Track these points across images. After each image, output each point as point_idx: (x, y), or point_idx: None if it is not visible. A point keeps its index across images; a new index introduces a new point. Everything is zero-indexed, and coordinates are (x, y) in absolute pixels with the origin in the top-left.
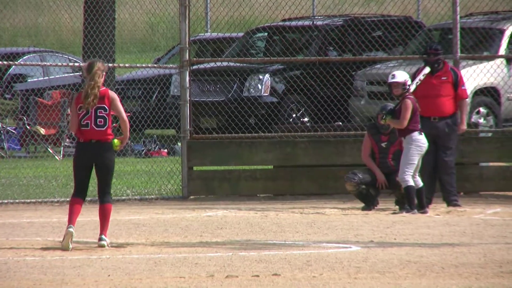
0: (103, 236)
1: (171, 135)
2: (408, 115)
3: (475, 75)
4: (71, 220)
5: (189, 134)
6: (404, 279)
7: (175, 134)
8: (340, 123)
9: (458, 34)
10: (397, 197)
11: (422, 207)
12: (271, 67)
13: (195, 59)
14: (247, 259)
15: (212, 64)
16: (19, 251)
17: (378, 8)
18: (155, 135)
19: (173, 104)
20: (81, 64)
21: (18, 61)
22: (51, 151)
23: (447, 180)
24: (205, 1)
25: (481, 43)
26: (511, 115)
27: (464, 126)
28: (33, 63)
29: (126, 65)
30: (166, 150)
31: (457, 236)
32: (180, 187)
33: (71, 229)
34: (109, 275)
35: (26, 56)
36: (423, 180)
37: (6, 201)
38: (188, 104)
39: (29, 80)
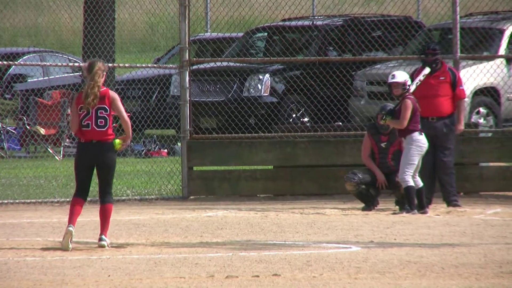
0: (103, 237)
1: (171, 135)
2: (408, 115)
3: (475, 75)
4: (71, 220)
5: (189, 134)
6: (404, 280)
7: (175, 134)
8: (340, 123)
9: (458, 34)
10: (397, 198)
11: (422, 208)
12: (271, 67)
13: (195, 59)
14: (247, 259)
15: (212, 64)
16: (19, 251)
17: (378, 8)
18: (155, 135)
19: (173, 104)
20: (81, 64)
21: (18, 61)
22: (51, 151)
23: (447, 180)
24: (205, 1)
25: (481, 43)
26: (511, 115)
27: (462, 126)
28: (33, 63)
29: (126, 65)
30: (166, 150)
31: (457, 237)
32: (180, 187)
33: (70, 228)
34: (109, 276)
35: (26, 56)
36: (422, 180)
37: (6, 201)
38: (188, 104)
39: (29, 80)
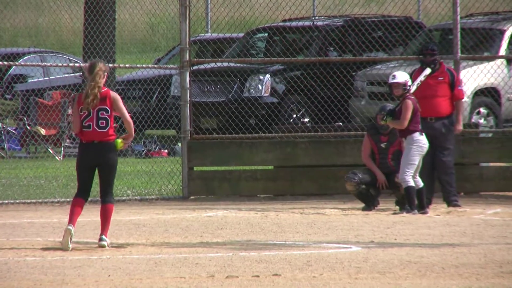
0: (103, 237)
1: (171, 136)
2: (409, 115)
3: (476, 76)
4: (71, 220)
5: (189, 135)
6: (405, 280)
7: (175, 135)
8: (341, 123)
9: (459, 34)
10: (398, 198)
11: (422, 208)
12: (272, 67)
13: (195, 59)
14: (247, 259)
15: (212, 65)
16: (19, 251)
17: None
18: (155, 136)
19: (173, 105)
20: (81, 65)
21: (19, 62)
22: (51, 152)
23: (447, 180)
24: (205, 2)
25: (482, 44)
26: (511, 116)
27: (460, 127)
28: (34, 63)
29: (127, 65)
30: (166, 151)
31: (458, 237)
32: (181, 188)
33: (70, 227)
34: (109, 276)
35: (27, 57)
36: (422, 181)
37: (6, 201)
38: (188, 105)
39: (29, 81)
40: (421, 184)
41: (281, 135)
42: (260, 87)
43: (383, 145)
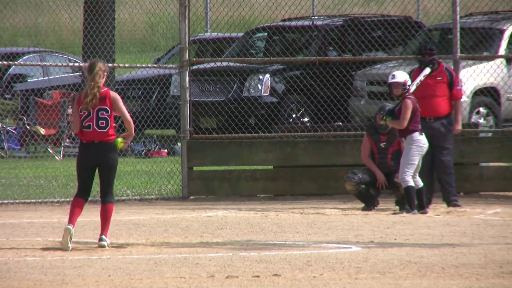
0: (103, 237)
1: (171, 135)
2: (408, 115)
3: (475, 75)
4: (71, 220)
5: (189, 134)
6: (405, 280)
7: (175, 134)
8: (340, 123)
9: (458, 34)
10: (397, 198)
11: (422, 208)
12: (271, 67)
13: (195, 59)
14: (247, 259)
15: (212, 64)
16: (19, 251)
17: (378, 8)
18: (155, 135)
19: (173, 104)
20: (81, 64)
21: (18, 61)
22: (51, 151)
23: (446, 180)
24: (205, 1)
25: (481, 43)
26: (511, 115)
27: (459, 126)
28: (33, 63)
29: (126, 65)
30: (166, 150)
31: (458, 237)
32: (180, 187)
33: (69, 227)
34: (109, 276)
35: (26, 56)
36: (422, 180)
37: (6, 201)
38: (188, 104)
39: (29, 80)
40: (420, 184)
41: (281, 134)
42: (260, 87)
43: (382, 145)
